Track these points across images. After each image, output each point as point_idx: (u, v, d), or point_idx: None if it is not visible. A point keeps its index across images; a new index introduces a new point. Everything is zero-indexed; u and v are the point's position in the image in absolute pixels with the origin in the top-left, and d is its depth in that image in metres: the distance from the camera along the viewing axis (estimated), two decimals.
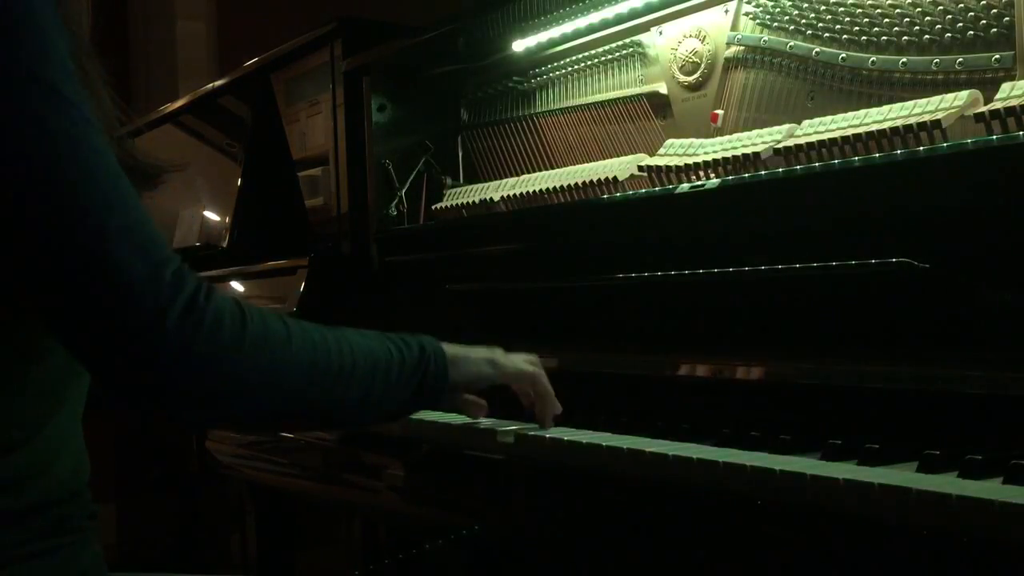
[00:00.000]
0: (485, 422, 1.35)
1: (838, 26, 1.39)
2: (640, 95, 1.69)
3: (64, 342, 0.88)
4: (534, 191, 1.75)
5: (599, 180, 1.63)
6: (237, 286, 2.26)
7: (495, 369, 1.23)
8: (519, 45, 1.85)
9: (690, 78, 1.60)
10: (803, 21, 1.43)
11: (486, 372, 1.22)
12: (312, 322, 1.02)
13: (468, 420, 1.37)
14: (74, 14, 0.92)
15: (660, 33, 1.65)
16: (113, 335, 0.84)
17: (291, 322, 0.99)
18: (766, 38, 1.48)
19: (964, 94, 1.20)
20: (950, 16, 1.26)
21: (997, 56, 1.21)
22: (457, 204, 1.92)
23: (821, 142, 1.31)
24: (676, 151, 1.55)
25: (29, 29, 0.82)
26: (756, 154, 1.39)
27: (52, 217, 0.81)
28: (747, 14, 1.52)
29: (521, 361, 1.27)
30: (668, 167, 1.53)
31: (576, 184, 1.67)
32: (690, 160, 1.49)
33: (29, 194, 0.81)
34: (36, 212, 0.81)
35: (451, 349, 1.17)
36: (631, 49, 1.71)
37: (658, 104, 1.66)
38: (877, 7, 1.34)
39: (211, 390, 0.91)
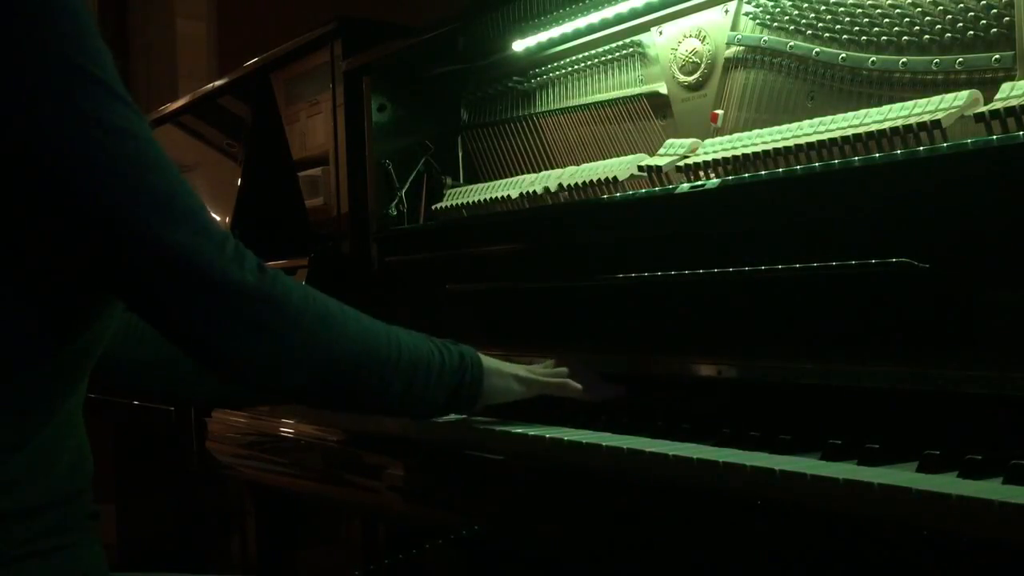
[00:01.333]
0: (485, 422, 1.35)
1: (838, 26, 1.39)
2: (640, 95, 1.69)
3: (147, 320, 0.96)
4: (534, 191, 1.75)
5: (599, 180, 1.63)
6: None
7: (524, 386, 1.31)
8: (519, 45, 1.85)
9: (690, 78, 1.60)
10: (803, 21, 1.43)
11: (515, 388, 1.30)
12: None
13: (468, 420, 1.37)
14: None
15: (660, 33, 1.65)
16: (194, 310, 0.92)
17: (346, 307, 1.07)
18: (766, 38, 1.48)
19: (964, 94, 1.19)
20: (950, 16, 1.26)
21: (997, 56, 1.21)
22: (457, 204, 1.92)
23: (821, 142, 1.31)
24: (676, 151, 1.55)
25: (86, 34, 0.87)
26: (756, 154, 1.39)
27: (127, 210, 0.87)
28: (747, 14, 1.52)
29: (544, 374, 1.34)
30: (668, 167, 1.53)
31: (576, 184, 1.68)
32: (690, 160, 1.49)
33: (103, 190, 0.86)
34: (111, 206, 0.87)
35: (487, 361, 1.25)
36: (631, 49, 1.71)
37: (658, 104, 1.66)
38: (877, 7, 1.34)
39: (277, 357, 0.99)
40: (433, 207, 1.99)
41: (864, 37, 1.36)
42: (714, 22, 1.56)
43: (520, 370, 1.31)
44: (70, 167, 0.85)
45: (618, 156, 1.68)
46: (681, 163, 1.51)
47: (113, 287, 0.94)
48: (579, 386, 1.35)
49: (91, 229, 0.88)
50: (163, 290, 0.91)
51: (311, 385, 1.05)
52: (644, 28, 1.67)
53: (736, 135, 1.46)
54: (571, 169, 1.73)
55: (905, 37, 1.31)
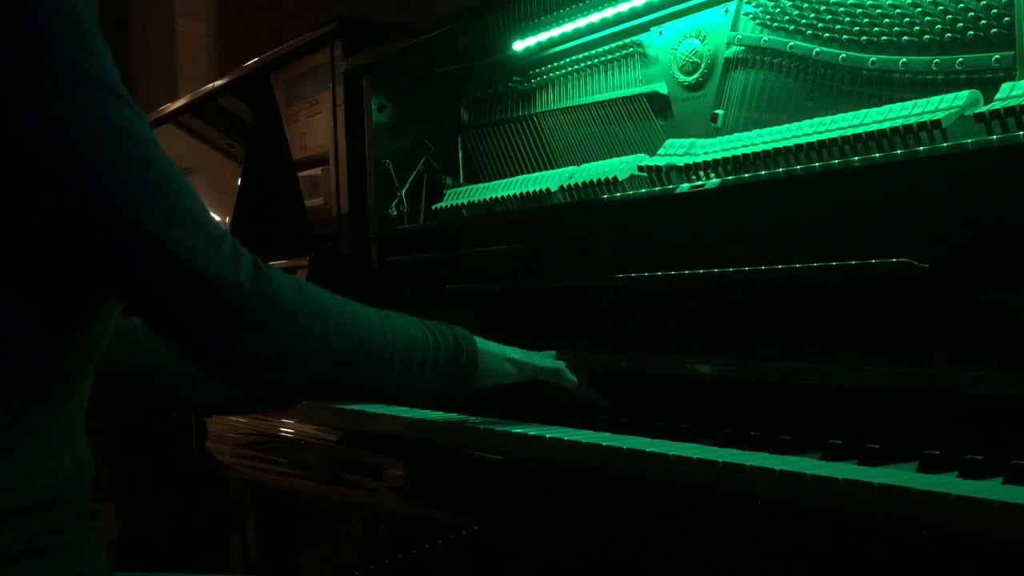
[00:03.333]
0: (485, 422, 1.35)
1: (838, 26, 1.39)
2: (640, 95, 1.69)
3: (145, 319, 0.96)
4: (534, 191, 1.75)
5: (599, 180, 1.63)
6: None
7: (518, 368, 1.30)
8: (519, 45, 1.85)
9: (690, 78, 1.60)
10: (803, 21, 1.43)
11: (510, 371, 1.29)
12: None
13: (468, 420, 1.37)
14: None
15: (660, 33, 1.65)
16: (189, 310, 0.93)
17: (341, 299, 1.07)
18: (766, 38, 1.48)
19: (964, 94, 1.19)
20: (950, 16, 1.26)
21: (997, 56, 1.21)
22: (457, 204, 1.92)
23: (821, 142, 1.31)
24: (676, 151, 1.55)
25: (88, 33, 0.87)
26: (756, 154, 1.39)
27: (126, 209, 0.88)
28: (747, 14, 1.52)
29: (543, 358, 1.34)
30: (668, 167, 1.53)
31: (576, 184, 1.67)
32: (690, 160, 1.49)
33: (103, 189, 0.87)
34: (110, 205, 0.87)
35: (481, 343, 1.24)
36: (631, 49, 1.70)
37: (658, 104, 1.66)
38: (877, 7, 1.34)
39: (273, 356, 0.99)
40: (433, 207, 1.99)
41: (864, 37, 1.36)
42: (714, 22, 1.56)
43: (515, 352, 1.31)
44: (68, 165, 0.85)
45: (618, 156, 1.68)
46: (681, 163, 1.51)
47: (111, 286, 0.94)
48: (574, 378, 1.35)
49: (89, 227, 0.88)
50: (159, 289, 0.92)
51: (308, 381, 1.05)
52: (644, 28, 1.67)
53: (736, 135, 1.46)
54: (571, 169, 1.73)
55: (905, 37, 1.31)
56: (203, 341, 0.96)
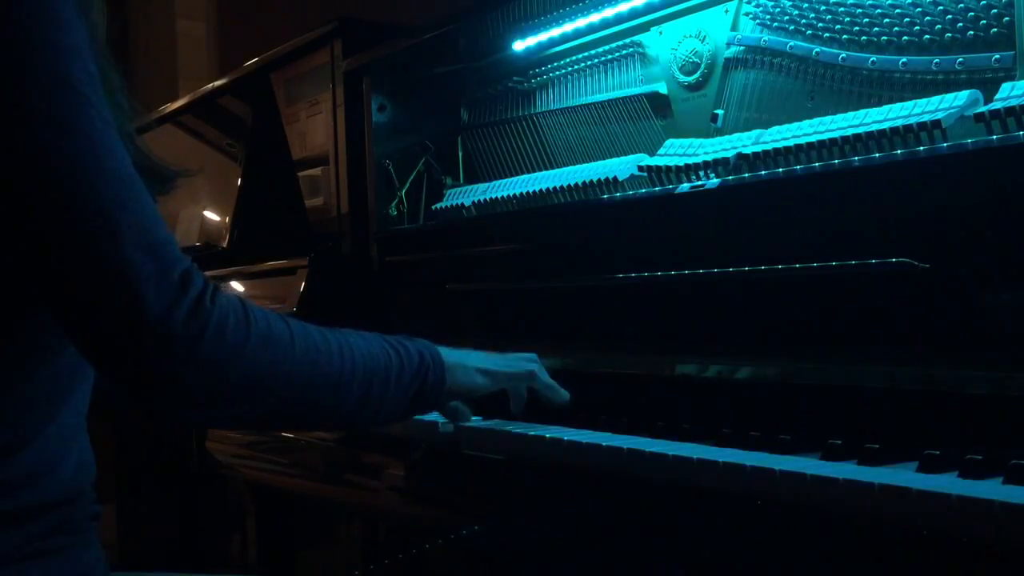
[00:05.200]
0: (485, 422, 1.35)
1: (838, 26, 1.39)
2: (640, 95, 1.69)
3: (69, 336, 0.88)
4: (534, 191, 1.75)
5: (599, 180, 1.63)
6: (237, 286, 2.26)
7: (489, 378, 1.24)
8: (519, 45, 1.85)
9: (690, 78, 1.60)
10: (803, 21, 1.43)
11: (480, 382, 1.23)
12: (313, 323, 1.03)
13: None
14: (93, 16, 0.93)
15: (660, 33, 1.65)
16: (119, 332, 0.85)
17: (294, 323, 0.99)
18: (766, 38, 1.48)
19: (964, 94, 1.19)
20: (950, 16, 1.26)
21: (997, 56, 1.21)
22: (457, 204, 1.92)
23: (821, 142, 1.31)
24: (676, 151, 1.55)
25: (51, 27, 0.83)
26: (756, 154, 1.39)
27: (66, 213, 0.82)
28: (747, 14, 1.52)
29: (517, 361, 1.29)
30: (668, 167, 1.53)
31: (576, 184, 1.67)
32: (690, 160, 1.49)
33: (45, 191, 0.82)
34: (51, 207, 0.82)
35: (448, 357, 1.17)
36: (631, 49, 1.70)
37: (658, 104, 1.66)
38: (877, 7, 1.34)
39: (213, 390, 0.91)
40: (433, 207, 1.99)
41: (864, 37, 1.36)
42: (714, 22, 1.56)
43: (486, 361, 1.25)
44: (14, 166, 0.81)
45: (618, 156, 1.68)
46: (681, 163, 1.51)
47: (47, 301, 0.87)
48: (548, 380, 1.30)
49: (30, 235, 0.83)
50: (90, 308, 0.84)
51: (263, 413, 0.98)
52: (644, 28, 1.67)
53: (736, 135, 1.46)
54: (571, 169, 1.73)
55: (905, 37, 1.31)
56: (135, 371, 0.87)
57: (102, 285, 0.83)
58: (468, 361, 1.21)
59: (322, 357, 1.01)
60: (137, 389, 0.89)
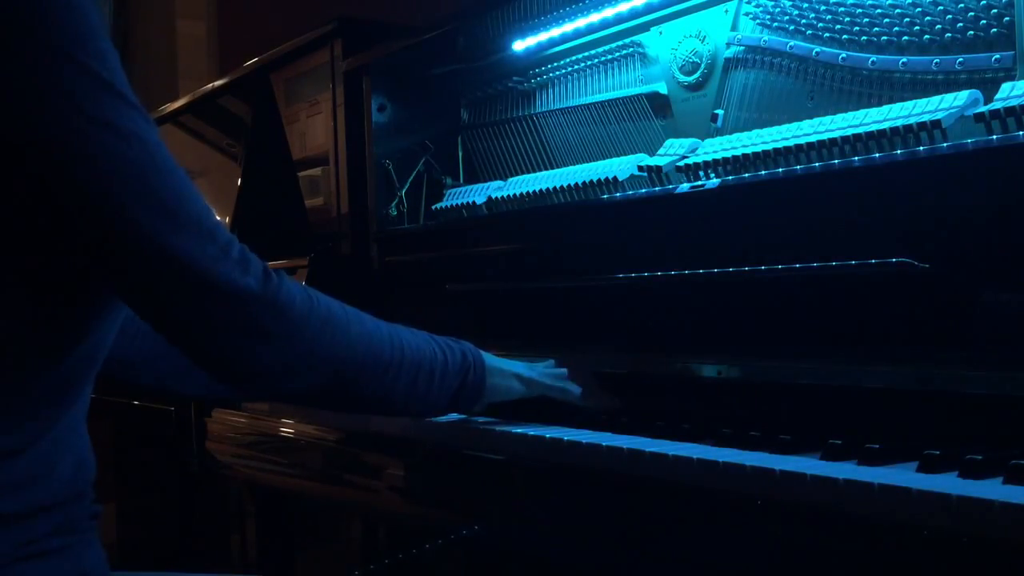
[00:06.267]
0: (485, 422, 1.35)
1: (838, 26, 1.39)
2: (640, 95, 1.69)
3: (154, 326, 0.95)
4: (534, 191, 1.75)
5: (599, 180, 1.63)
6: None
7: (526, 385, 1.31)
8: (519, 45, 1.85)
9: (690, 78, 1.60)
10: (803, 21, 1.43)
11: (517, 387, 1.30)
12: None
13: (468, 420, 1.37)
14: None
15: (660, 33, 1.65)
16: (197, 317, 0.92)
17: (350, 309, 1.07)
18: (766, 38, 1.48)
19: (964, 94, 1.19)
20: (950, 16, 1.26)
21: (997, 56, 1.21)
22: (457, 204, 1.92)
23: (821, 142, 1.31)
24: (676, 151, 1.55)
25: (95, 36, 0.86)
26: (756, 154, 1.39)
27: (128, 211, 0.86)
28: (747, 14, 1.52)
29: (548, 373, 1.35)
30: (668, 167, 1.53)
31: (576, 184, 1.67)
32: (690, 160, 1.49)
33: (109, 194, 0.86)
34: (116, 211, 0.86)
35: (489, 360, 1.24)
36: (631, 49, 1.70)
37: (658, 104, 1.66)
38: (877, 7, 1.34)
39: (280, 363, 0.98)
40: (433, 207, 1.99)
41: (864, 37, 1.36)
42: (714, 22, 1.56)
43: (522, 368, 1.31)
44: (76, 170, 0.84)
45: (618, 156, 1.68)
46: (681, 163, 1.51)
47: (118, 291, 0.93)
48: (579, 390, 1.35)
49: (96, 233, 0.87)
50: (167, 295, 0.91)
51: (313, 389, 1.05)
52: (644, 28, 1.67)
53: (736, 135, 1.46)
54: (571, 169, 1.73)
55: (905, 37, 1.31)
56: (212, 348, 0.95)
57: (172, 274, 0.89)
58: (507, 367, 1.28)
59: (375, 345, 1.08)
60: (217, 364, 0.97)
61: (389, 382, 1.10)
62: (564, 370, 1.37)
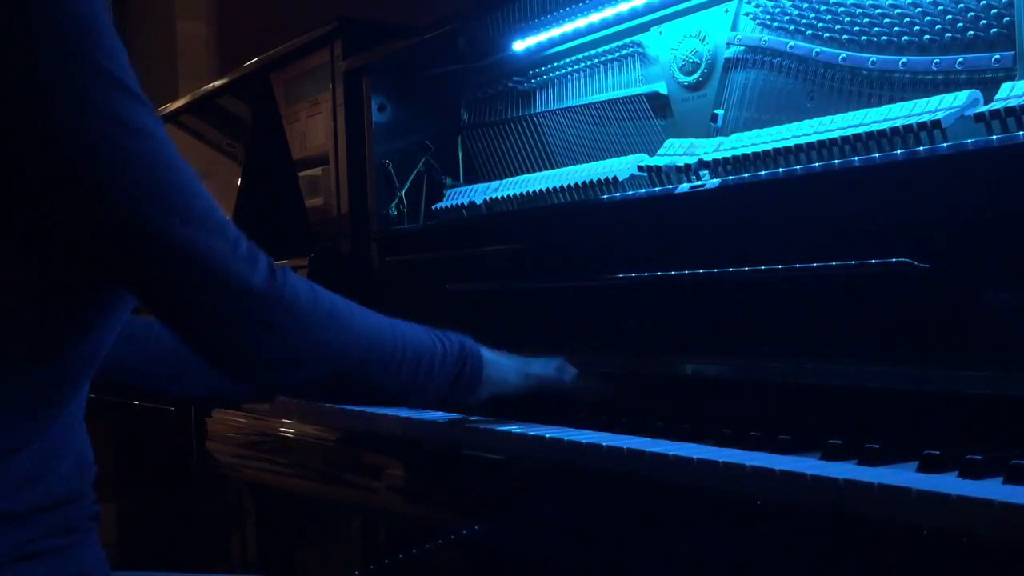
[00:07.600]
0: (485, 422, 1.35)
1: (838, 26, 1.39)
2: (640, 95, 1.69)
3: (161, 319, 0.97)
4: (534, 191, 1.75)
5: (599, 180, 1.63)
6: None
7: (523, 379, 1.32)
8: (519, 45, 1.85)
9: (690, 78, 1.60)
10: (803, 21, 1.43)
11: (513, 381, 1.31)
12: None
13: (468, 420, 1.37)
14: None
15: (660, 33, 1.65)
16: (206, 310, 0.94)
17: (352, 304, 1.09)
18: (766, 38, 1.48)
19: (964, 94, 1.19)
20: (950, 16, 1.26)
21: (997, 56, 1.21)
22: (457, 204, 1.92)
23: (821, 142, 1.31)
24: (676, 151, 1.55)
25: (106, 34, 0.87)
26: (756, 154, 1.39)
27: (143, 209, 0.88)
28: (747, 14, 1.52)
29: (545, 368, 1.35)
30: (668, 167, 1.53)
31: (576, 184, 1.67)
32: (690, 160, 1.49)
33: (120, 188, 0.87)
34: (127, 205, 0.87)
35: (486, 352, 1.26)
36: (631, 49, 1.70)
37: (658, 104, 1.66)
38: (877, 7, 1.34)
39: (286, 356, 1.01)
40: (433, 207, 1.99)
41: (864, 37, 1.36)
42: (714, 22, 1.56)
43: (519, 362, 1.32)
44: (87, 165, 0.85)
45: (618, 156, 1.68)
46: (681, 163, 1.51)
47: (128, 286, 0.95)
48: (574, 379, 1.36)
49: (107, 228, 0.88)
50: (178, 289, 0.92)
51: (318, 381, 1.07)
52: (644, 28, 1.67)
53: (736, 135, 1.46)
54: (571, 169, 1.73)
55: (905, 37, 1.31)
56: (220, 342, 0.97)
57: (183, 268, 0.90)
58: (503, 359, 1.30)
59: (377, 338, 1.11)
60: (225, 357, 0.99)
61: (391, 374, 1.13)
62: (560, 358, 1.38)
